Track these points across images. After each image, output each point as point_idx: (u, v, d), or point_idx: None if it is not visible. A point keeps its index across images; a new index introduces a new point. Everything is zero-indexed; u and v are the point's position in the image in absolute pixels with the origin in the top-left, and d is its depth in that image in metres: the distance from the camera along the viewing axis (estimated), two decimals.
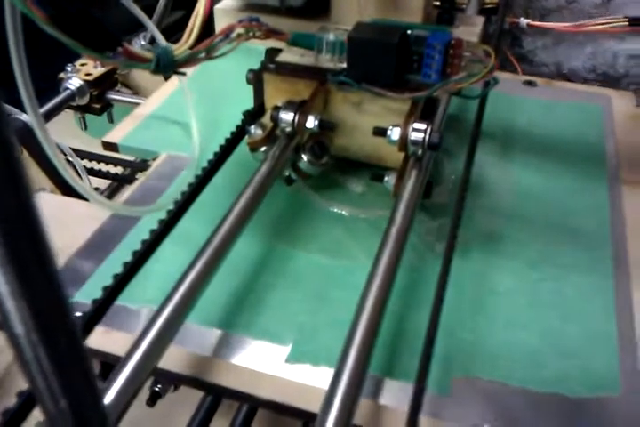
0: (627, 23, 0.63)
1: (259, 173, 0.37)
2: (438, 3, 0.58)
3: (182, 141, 0.47)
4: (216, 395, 0.45)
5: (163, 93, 0.55)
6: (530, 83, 0.62)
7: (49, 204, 0.45)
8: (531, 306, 0.37)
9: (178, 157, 0.46)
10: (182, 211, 0.35)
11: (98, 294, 0.31)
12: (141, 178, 0.46)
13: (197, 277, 0.31)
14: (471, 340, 0.35)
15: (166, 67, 0.29)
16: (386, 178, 0.39)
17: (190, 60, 0.30)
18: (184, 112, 0.46)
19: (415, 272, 0.38)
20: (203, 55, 0.31)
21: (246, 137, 0.40)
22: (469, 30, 0.46)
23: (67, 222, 0.41)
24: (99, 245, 0.39)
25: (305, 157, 0.40)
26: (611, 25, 0.64)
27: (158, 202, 0.37)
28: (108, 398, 0.25)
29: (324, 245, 0.40)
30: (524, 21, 0.67)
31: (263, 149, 0.39)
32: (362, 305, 0.29)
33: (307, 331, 0.34)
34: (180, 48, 0.30)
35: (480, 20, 0.48)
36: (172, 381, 0.34)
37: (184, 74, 0.31)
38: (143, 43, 0.79)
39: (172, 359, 0.32)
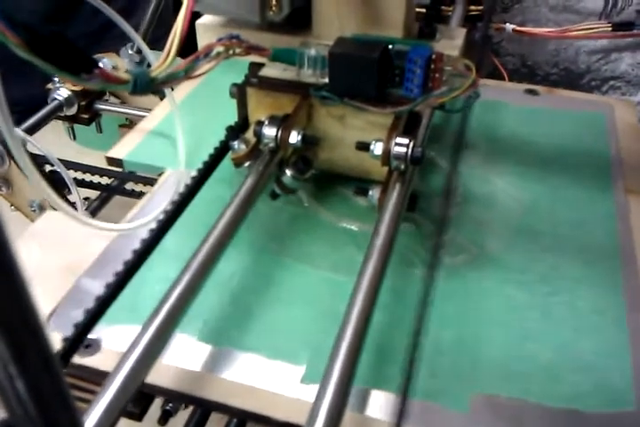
0: (610, 28, 0.64)
1: (242, 188, 0.37)
2: (424, 10, 0.58)
3: (188, 156, 0.46)
4: (206, 409, 0.45)
5: (165, 108, 0.55)
6: (531, 91, 0.62)
7: (55, 221, 0.44)
8: (543, 320, 0.37)
9: (184, 173, 0.46)
10: (165, 228, 0.35)
11: (110, 313, 0.32)
12: (147, 194, 0.46)
13: (183, 291, 0.31)
14: (487, 355, 0.35)
15: (144, 88, 0.29)
16: (370, 192, 0.40)
17: (169, 80, 0.30)
18: (188, 127, 0.46)
19: (426, 286, 0.38)
20: (182, 75, 0.31)
21: (230, 152, 0.40)
22: (450, 44, 0.46)
23: (74, 240, 0.41)
24: (108, 264, 0.38)
25: (288, 172, 0.40)
26: (595, 30, 0.64)
27: (141, 220, 0.37)
28: (95, 416, 0.25)
29: (335, 261, 0.40)
30: (509, 27, 0.68)
31: (247, 164, 0.39)
32: (347, 318, 0.30)
33: (322, 350, 0.33)
34: (159, 68, 0.30)
35: (461, 32, 0.48)
36: (164, 396, 0.34)
37: (163, 94, 0.30)
38: (131, 52, 0.79)
39: (160, 375, 0.32)
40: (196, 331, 0.35)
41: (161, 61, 0.30)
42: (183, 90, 0.57)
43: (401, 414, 0.29)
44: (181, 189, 0.36)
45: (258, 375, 0.33)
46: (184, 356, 0.34)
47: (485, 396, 0.33)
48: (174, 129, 0.47)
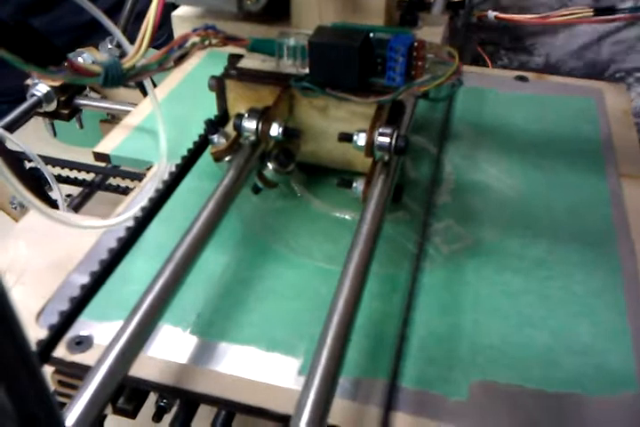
0: (592, 13, 0.63)
1: (223, 183, 0.36)
2: None
3: (175, 150, 0.45)
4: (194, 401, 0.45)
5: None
6: (521, 78, 0.61)
7: (42, 218, 0.43)
8: (540, 305, 0.37)
9: (166, 168, 0.45)
10: (144, 225, 0.34)
11: (101, 309, 0.32)
12: (136, 189, 0.45)
13: (165, 284, 0.30)
14: (486, 342, 0.34)
15: (115, 80, 0.28)
16: (354, 184, 0.39)
17: (141, 72, 0.29)
18: (175, 120, 0.44)
19: (425, 276, 0.38)
20: (155, 67, 0.30)
21: (210, 146, 0.39)
22: (433, 31, 0.46)
23: (63, 237, 0.40)
24: (98, 259, 0.37)
25: (270, 166, 0.39)
26: (576, 15, 0.63)
27: (120, 217, 0.36)
28: (77, 411, 0.25)
29: (329, 251, 0.39)
30: (491, 14, 0.67)
31: (228, 158, 0.38)
32: (333, 307, 0.29)
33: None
34: (131, 60, 0.29)
35: (444, 19, 0.47)
36: (151, 390, 0.34)
37: (135, 87, 0.29)
38: (110, 46, 0.77)
39: (147, 368, 0.32)
40: (189, 324, 0.35)
41: (133, 53, 0.29)
42: (169, 83, 0.56)
43: (390, 401, 0.29)
44: (159, 185, 0.35)
45: (254, 368, 0.33)
46: (177, 349, 0.34)
47: (484, 382, 0.32)
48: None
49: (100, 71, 0.28)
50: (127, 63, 0.29)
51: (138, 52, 0.29)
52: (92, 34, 0.90)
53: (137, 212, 0.32)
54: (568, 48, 0.84)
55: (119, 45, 0.70)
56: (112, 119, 0.80)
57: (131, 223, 0.33)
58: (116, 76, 0.28)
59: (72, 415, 0.24)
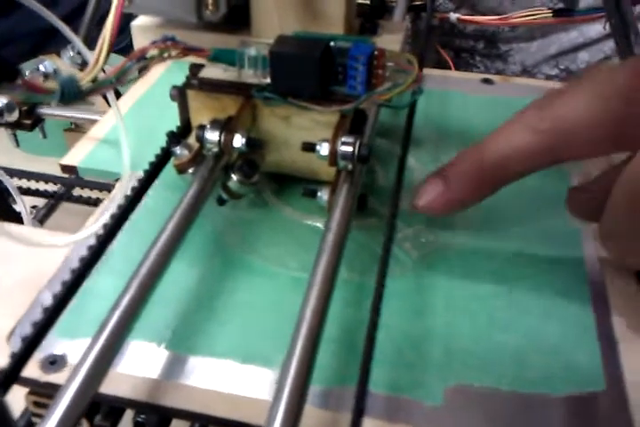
0: (551, 15, 0.64)
1: (187, 195, 0.36)
2: (368, 2, 0.58)
3: (144, 161, 0.45)
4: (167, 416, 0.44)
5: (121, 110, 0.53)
6: (487, 80, 0.62)
7: (12, 235, 0.41)
8: (511, 307, 0.37)
9: (130, 181, 0.44)
10: (106, 241, 0.34)
11: (74, 327, 0.33)
12: (105, 201, 0.45)
13: (131, 302, 0.30)
14: (459, 346, 0.35)
15: (72, 97, 0.28)
16: (319, 193, 0.39)
17: (99, 87, 0.29)
18: (143, 130, 0.43)
19: (396, 282, 0.38)
20: (113, 82, 0.30)
21: (172, 159, 0.39)
22: (392, 38, 0.46)
23: (33, 252, 0.40)
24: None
25: (234, 177, 0.38)
26: (535, 17, 0.64)
27: (84, 230, 0.36)
28: None
29: (304, 260, 0.39)
30: (453, 16, 0.68)
31: (191, 170, 0.38)
32: (301, 316, 0.30)
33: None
34: (88, 75, 0.29)
35: (403, 26, 0.47)
36: (125, 406, 0.34)
37: (93, 104, 0.29)
38: (72, 54, 0.76)
39: (120, 384, 0.32)
40: (163, 339, 0.35)
41: (90, 69, 0.29)
42: (137, 91, 0.56)
43: (362, 408, 0.29)
44: (121, 200, 0.34)
45: (230, 381, 0.33)
46: (151, 365, 0.33)
47: (458, 386, 0.33)
48: (128, 134, 0.45)
49: (56, 88, 0.28)
50: (84, 79, 0.28)
51: (94, 68, 0.29)
52: (54, 39, 0.88)
53: (98, 229, 0.32)
54: (543, 55, 0.85)
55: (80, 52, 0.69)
56: (76, 128, 0.78)
57: (93, 241, 0.32)
58: (73, 93, 0.28)
59: None
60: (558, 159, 0.35)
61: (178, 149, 0.38)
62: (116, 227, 0.35)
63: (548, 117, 0.34)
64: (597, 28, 0.79)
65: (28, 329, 0.29)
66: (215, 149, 0.37)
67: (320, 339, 0.29)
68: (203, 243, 0.41)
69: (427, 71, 0.59)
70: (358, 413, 0.28)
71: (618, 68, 0.33)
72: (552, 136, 0.34)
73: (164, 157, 0.39)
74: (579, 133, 0.33)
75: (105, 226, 0.32)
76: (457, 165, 0.38)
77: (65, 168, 0.48)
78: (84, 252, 0.32)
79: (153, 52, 0.33)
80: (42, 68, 0.71)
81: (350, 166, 0.37)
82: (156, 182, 0.40)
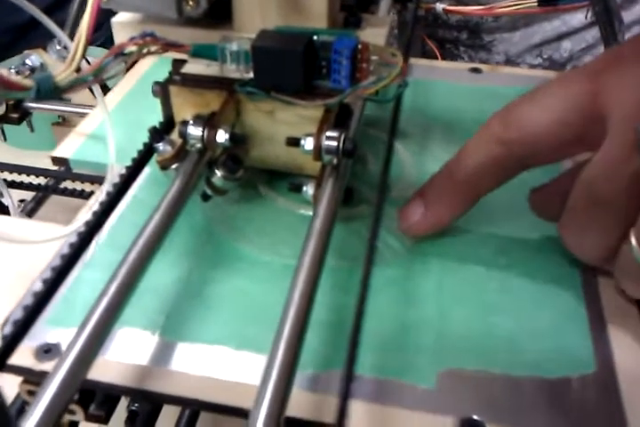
0: (536, 4, 0.64)
1: (170, 191, 0.36)
2: None
3: (133, 154, 0.45)
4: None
5: (109, 105, 0.53)
6: (475, 70, 0.61)
7: (9, 226, 0.42)
8: (503, 292, 0.37)
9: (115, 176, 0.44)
10: (91, 236, 0.34)
11: (68, 318, 0.33)
12: (97, 192, 0.45)
13: (119, 289, 0.30)
14: (452, 331, 0.35)
15: (48, 94, 0.28)
16: (304, 188, 0.39)
17: (76, 85, 0.29)
18: (134, 123, 0.43)
19: (389, 268, 0.39)
20: (90, 79, 0.29)
21: (155, 155, 0.38)
22: (376, 32, 0.45)
23: (28, 244, 0.40)
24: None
25: (218, 173, 0.38)
26: (520, 6, 0.64)
27: (65, 228, 0.36)
28: (35, 418, 0.24)
29: (296, 249, 0.39)
30: (439, 6, 0.67)
31: (174, 166, 0.38)
32: (289, 301, 0.30)
33: None
34: (64, 72, 0.29)
35: (387, 20, 0.47)
36: (117, 394, 0.34)
37: (69, 100, 0.29)
38: (59, 48, 0.75)
39: (110, 371, 0.32)
40: (157, 326, 0.35)
41: (66, 65, 0.28)
42: (126, 85, 0.55)
43: (348, 391, 0.28)
44: (104, 198, 0.34)
45: (224, 367, 0.33)
46: (143, 352, 0.33)
47: (451, 369, 0.33)
48: (117, 127, 0.45)
49: (32, 85, 0.27)
50: (60, 76, 0.28)
51: (72, 63, 0.29)
52: (37, 33, 0.87)
53: (81, 226, 0.32)
54: (527, 44, 0.85)
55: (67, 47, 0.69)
56: (64, 122, 0.78)
57: (74, 239, 0.32)
58: (49, 90, 0.27)
59: (30, 423, 0.24)
60: (527, 166, 0.35)
61: (160, 146, 0.38)
62: (100, 222, 0.34)
63: (512, 127, 0.34)
64: (580, 18, 0.79)
65: (19, 316, 0.29)
66: (198, 145, 0.37)
67: (308, 322, 0.29)
68: (195, 233, 0.41)
69: (414, 61, 0.58)
70: (345, 395, 0.28)
71: (583, 66, 0.33)
72: (518, 145, 0.34)
73: (146, 154, 0.38)
74: (545, 138, 0.33)
75: (87, 223, 0.32)
76: (433, 186, 0.39)
77: (56, 160, 0.48)
78: (74, 239, 0.32)
79: (131, 48, 0.32)
80: (28, 62, 0.70)
81: (335, 161, 0.37)
82: (147, 174, 0.40)
